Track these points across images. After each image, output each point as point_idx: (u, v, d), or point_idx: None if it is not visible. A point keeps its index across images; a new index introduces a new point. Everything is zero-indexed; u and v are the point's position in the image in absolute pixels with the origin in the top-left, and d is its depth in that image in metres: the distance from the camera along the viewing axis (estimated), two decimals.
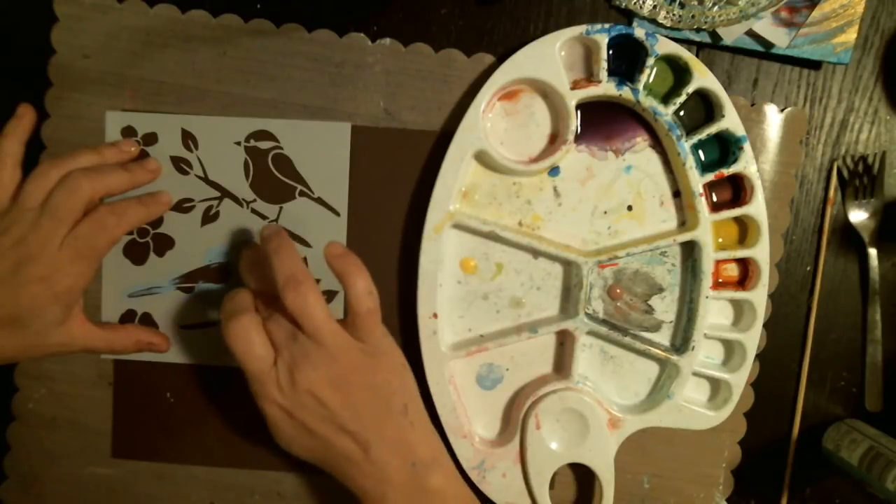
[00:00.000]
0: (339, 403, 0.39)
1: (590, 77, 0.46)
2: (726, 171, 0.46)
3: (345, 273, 0.40)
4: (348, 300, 0.40)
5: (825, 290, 0.50)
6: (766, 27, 0.46)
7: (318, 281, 0.48)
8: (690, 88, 0.45)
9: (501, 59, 0.46)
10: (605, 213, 0.48)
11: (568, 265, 0.48)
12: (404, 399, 0.41)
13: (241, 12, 0.47)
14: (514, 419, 0.48)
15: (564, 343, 0.48)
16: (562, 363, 0.48)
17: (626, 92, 0.45)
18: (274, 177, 0.48)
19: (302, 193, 0.48)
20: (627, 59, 0.46)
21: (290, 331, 0.39)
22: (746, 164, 0.46)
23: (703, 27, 0.46)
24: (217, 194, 0.48)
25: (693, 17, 0.46)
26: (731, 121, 0.45)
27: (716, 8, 0.45)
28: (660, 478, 0.50)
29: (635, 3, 0.46)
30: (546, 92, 0.46)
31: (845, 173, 0.49)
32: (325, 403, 0.39)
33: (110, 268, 0.48)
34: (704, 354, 0.48)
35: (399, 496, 0.40)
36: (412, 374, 0.43)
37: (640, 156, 0.47)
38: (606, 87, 0.45)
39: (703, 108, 0.47)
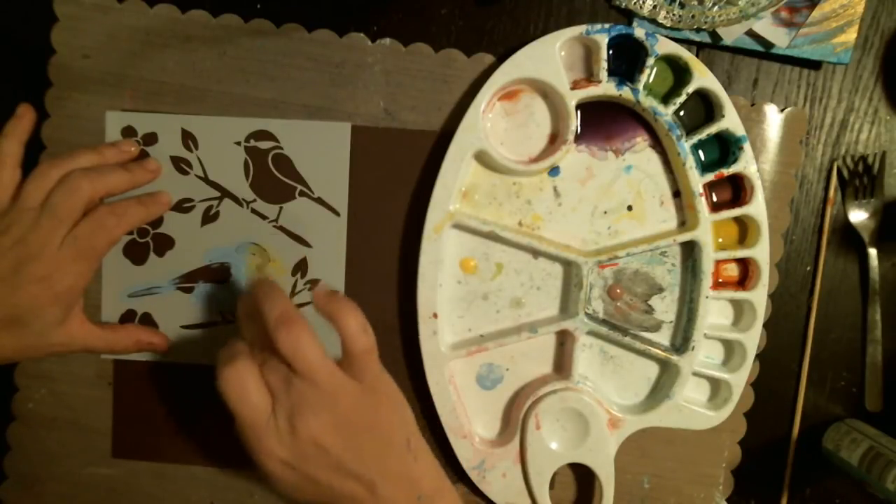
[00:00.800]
0: (342, 448, 0.37)
1: (590, 77, 0.46)
2: (726, 171, 0.46)
3: (336, 314, 0.38)
4: (343, 341, 0.38)
5: (825, 290, 0.50)
6: (766, 27, 0.46)
7: (318, 281, 0.48)
8: (690, 88, 0.45)
9: (501, 59, 0.46)
10: (605, 213, 0.48)
11: (568, 265, 0.48)
12: (406, 434, 0.40)
13: (241, 12, 0.47)
14: (514, 419, 0.48)
15: (564, 343, 0.48)
16: (562, 363, 0.48)
17: (626, 92, 0.45)
18: (274, 177, 0.48)
19: (302, 193, 0.48)
20: (627, 59, 0.46)
21: (286, 375, 0.37)
22: (746, 164, 0.46)
23: (703, 27, 0.46)
24: (217, 194, 0.48)
25: (693, 17, 0.46)
26: (731, 121, 0.45)
27: (716, 8, 0.45)
28: (660, 478, 0.50)
29: (635, 3, 0.46)
30: (546, 92, 0.46)
31: (845, 173, 0.49)
32: (328, 451, 0.37)
33: (110, 268, 0.48)
34: (704, 354, 0.48)
35: None
36: (410, 407, 0.41)
37: (640, 156, 0.47)
38: (606, 87, 0.45)
39: (703, 108, 0.47)
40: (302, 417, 0.37)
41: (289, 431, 0.37)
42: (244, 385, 0.37)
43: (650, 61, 0.45)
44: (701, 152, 0.47)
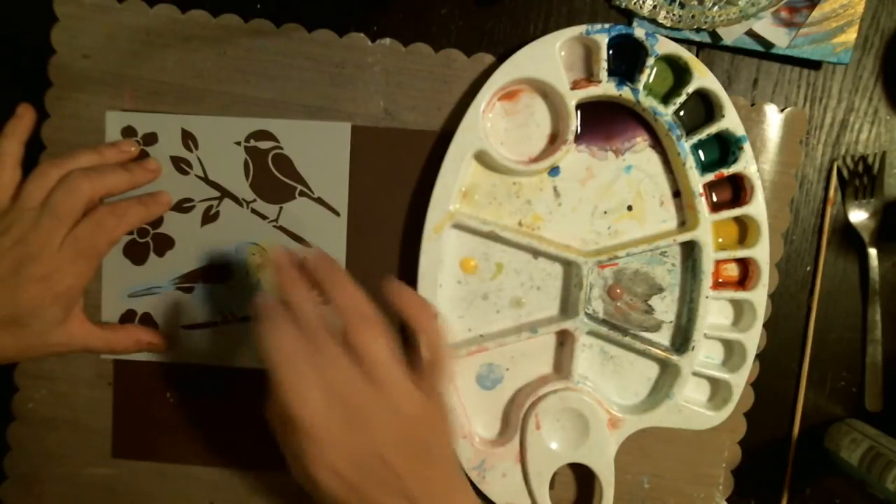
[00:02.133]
0: (401, 466, 0.35)
1: (590, 77, 0.46)
2: (726, 171, 0.46)
3: (417, 316, 0.37)
4: (424, 346, 0.37)
5: (825, 290, 0.50)
6: (766, 27, 0.46)
7: None
8: (690, 88, 0.45)
9: (501, 59, 0.46)
10: (605, 213, 0.48)
11: (568, 265, 0.48)
12: (453, 454, 0.39)
13: (241, 12, 0.47)
14: (514, 419, 0.48)
15: (564, 343, 0.48)
16: (562, 363, 0.48)
17: (626, 92, 0.45)
18: (274, 177, 0.48)
19: (302, 193, 0.48)
20: (627, 59, 0.46)
21: (354, 377, 0.35)
22: (746, 164, 0.46)
23: (703, 27, 0.46)
24: (217, 194, 0.48)
25: (693, 17, 0.46)
26: (731, 121, 0.45)
27: (716, 8, 0.45)
28: (660, 478, 0.50)
29: (635, 3, 0.46)
30: (546, 92, 0.46)
31: (845, 173, 0.49)
32: (390, 467, 0.35)
33: (110, 268, 0.48)
34: (704, 354, 0.48)
35: None
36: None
37: (640, 156, 0.47)
38: (606, 87, 0.45)
39: (703, 108, 0.47)
40: (365, 424, 0.34)
41: (353, 442, 0.34)
42: (308, 393, 0.34)
43: (650, 61, 0.45)
44: (701, 152, 0.47)
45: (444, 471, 0.38)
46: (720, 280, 0.48)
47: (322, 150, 0.48)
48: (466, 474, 0.48)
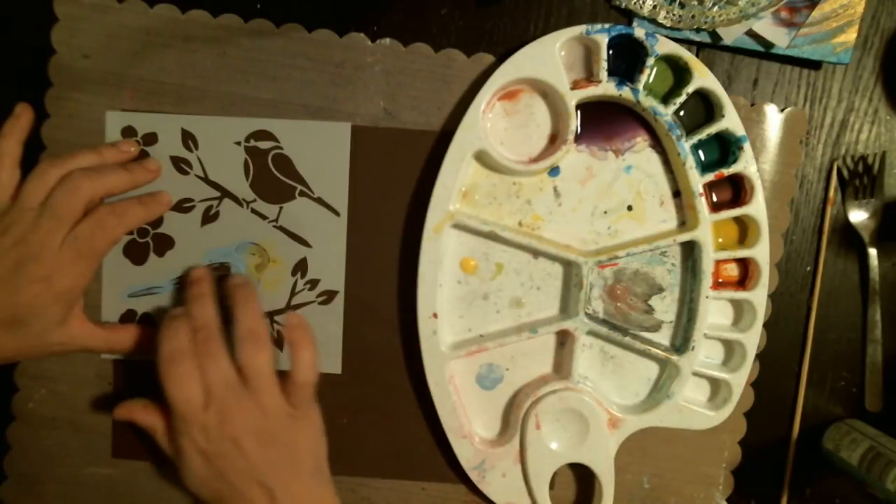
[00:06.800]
0: (257, 454, 0.40)
1: (590, 77, 0.46)
2: (726, 171, 0.46)
3: (296, 343, 0.43)
4: (292, 368, 0.42)
5: (825, 290, 0.50)
6: (766, 27, 0.46)
7: (318, 281, 0.48)
8: (690, 88, 0.45)
9: (501, 59, 0.46)
10: (605, 213, 0.48)
11: (568, 265, 0.48)
12: (317, 461, 0.43)
13: (241, 12, 0.47)
14: (514, 419, 0.48)
15: (564, 343, 0.48)
16: (562, 363, 0.48)
17: (626, 92, 0.45)
18: (274, 177, 0.48)
19: (302, 193, 0.48)
20: (627, 59, 0.46)
21: (230, 379, 0.41)
22: (746, 164, 0.46)
23: (703, 27, 0.46)
24: (217, 194, 0.48)
25: (693, 17, 0.46)
26: (731, 121, 0.45)
27: (716, 8, 0.45)
28: (660, 478, 0.50)
29: (635, 3, 0.46)
30: (546, 92, 0.46)
31: (845, 173, 0.49)
32: (245, 452, 0.40)
33: (110, 268, 0.48)
34: (704, 354, 0.48)
35: None
36: (326, 442, 0.44)
37: (640, 156, 0.47)
38: (606, 87, 0.45)
39: (703, 108, 0.47)
40: (232, 418, 0.40)
41: (216, 426, 0.40)
42: (186, 384, 0.40)
43: (650, 61, 0.45)
44: (701, 152, 0.47)
45: (306, 473, 0.42)
46: (720, 280, 0.48)
47: (322, 150, 0.48)
48: (466, 474, 0.48)
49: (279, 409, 0.42)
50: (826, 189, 0.49)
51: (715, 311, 0.48)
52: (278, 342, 0.48)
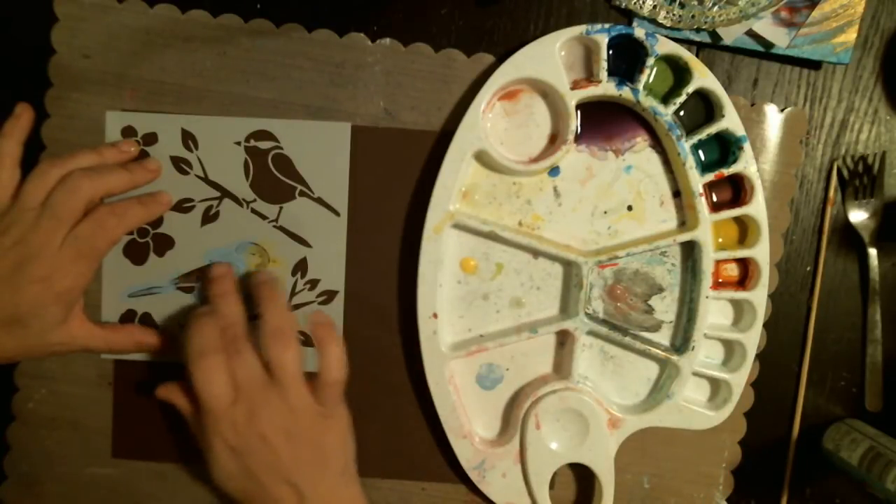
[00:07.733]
0: (286, 452, 0.40)
1: (590, 77, 0.46)
2: (726, 171, 0.46)
3: (323, 341, 0.42)
4: (321, 366, 0.42)
5: (825, 290, 0.50)
6: (766, 27, 0.46)
7: (318, 281, 0.48)
8: (690, 88, 0.45)
9: (501, 59, 0.46)
10: (605, 213, 0.48)
11: (568, 265, 0.48)
12: (345, 461, 0.43)
13: (241, 12, 0.47)
14: (514, 419, 0.48)
15: (564, 343, 0.48)
16: (562, 363, 0.48)
17: (626, 92, 0.45)
18: (274, 177, 0.48)
19: (302, 193, 0.48)
20: (627, 59, 0.46)
21: (259, 376, 0.41)
22: (746, 164, 0.46)
23: (703, 27, 0.46)
24: (217, 194, 0.48)
25: (693, 17, 0.46)
26: (731, 121, 0.45)
27: (716, 8, 0.45)
28: (660, 478, 0.50)
29: (635, 3, 0.46)
30: (546, 92, 0.46)
31: (845, 173, 0.49)
32: (274, 450, 0.40)
33: (110, 268, 0.48)
34: (704, 354, 0.48)
35: None
36: (354, 442, 0.44)
37: (640, 156, 0.47)
38: (606, 87, 0.45)
39: (703, 108, 0.47)
40: (261, 414, 0.40)
41: (244, 423, 0.40)
42: (215, 380, 0.40)
43: (650, 61, 0.45)
44: (701, 152, 0.47)
45: (334, 472, 0.42)
46: (720, 280, 0.48)
47: (322, 150, 0.48)
48: (466, 474, 0.48)
49: (307, 407, 0.42)
50: (826, 189, 0.49)
51: (715, 311, 0.48)
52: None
